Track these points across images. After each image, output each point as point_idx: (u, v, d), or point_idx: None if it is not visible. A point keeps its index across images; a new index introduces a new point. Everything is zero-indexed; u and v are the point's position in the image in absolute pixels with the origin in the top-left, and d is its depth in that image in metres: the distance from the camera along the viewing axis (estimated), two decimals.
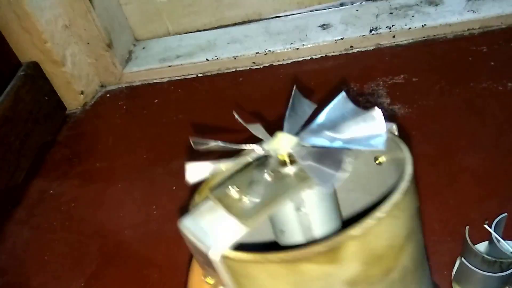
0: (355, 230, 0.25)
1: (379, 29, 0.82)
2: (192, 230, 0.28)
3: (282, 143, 0.29)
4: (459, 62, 0.76)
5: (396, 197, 0.26)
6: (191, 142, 0.29)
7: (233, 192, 0.28)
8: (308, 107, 0.32)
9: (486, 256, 0.47)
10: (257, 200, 0.27)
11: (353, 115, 0.29)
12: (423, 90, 0.73)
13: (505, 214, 0.48)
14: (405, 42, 0.82)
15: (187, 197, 0.63)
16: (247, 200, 0.28)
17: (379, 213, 0.26)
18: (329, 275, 0.27)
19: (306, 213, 0.29)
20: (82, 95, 0.88)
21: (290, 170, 0.29)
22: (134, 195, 0.69)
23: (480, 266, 0.46)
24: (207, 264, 0.28)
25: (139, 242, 0.62)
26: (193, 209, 0.29)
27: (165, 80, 0.90)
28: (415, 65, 0.78)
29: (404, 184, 0.27)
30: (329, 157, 0.27)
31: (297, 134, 0.30)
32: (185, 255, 0.54)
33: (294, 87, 0.32)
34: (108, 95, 0.91)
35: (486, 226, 0.47)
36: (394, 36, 0.82)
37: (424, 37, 0.82)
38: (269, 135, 0.30)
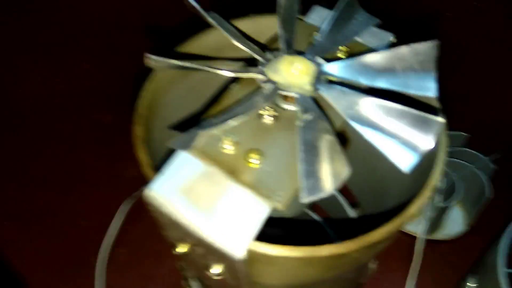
0: (413, 208, 0.21)
1: None
2: (178, 207, 0.19)
3: (296, 72, 0.21)
4: None
5: None
6: (146, 58, 0.21)
7: (229, 147, 0.20)
8: (296, 2, 0.25)
9: None
10: (274, 161, 0.20)
11: (367, 33, 0.24)
12: None
13: None
14: None
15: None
16: (259, 163, 0.20)
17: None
18: (366, 252, 0.22)
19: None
20: None
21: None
22: (42, 68, 0.65)
23: None
24: (206, 253, 0.21)
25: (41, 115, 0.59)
26: (165, 165, 0.20)
27: None
28: None
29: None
30: (400, 113, 0.19)
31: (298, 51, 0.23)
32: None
33: None
34: None
35: None
36: None
37: None
38: (261, 51, 0.22)
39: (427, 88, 0.21)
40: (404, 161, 0.18)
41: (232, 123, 0.20)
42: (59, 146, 0.56)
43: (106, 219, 0.46)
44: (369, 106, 0.20)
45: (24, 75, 0.65)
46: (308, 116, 0.20)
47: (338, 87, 0.21)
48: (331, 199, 0.38)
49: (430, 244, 0.48)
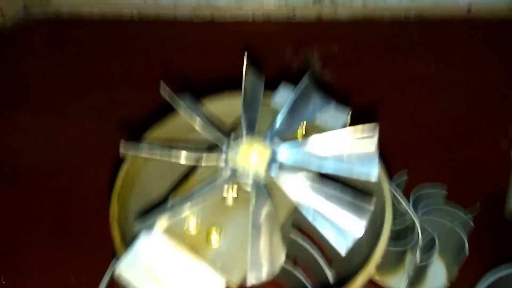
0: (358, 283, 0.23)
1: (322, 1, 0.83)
2: (144, 284, 0.21)
3: (253, 156, 0.23)
4: (391, 42, 0.81)
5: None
6: (121, 147, 0.23)
7: (192, 227, 0.22)
8: (260, 86, 0.28)
9: None
10: (231, 240, 0.22)
11: (330, 115, 0.27)
12: (353, 62, 0.76)
13: (406, 176, 0.51)
14: (345, 17, 0.84)
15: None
16: (217, 242, 0.22)
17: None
18: None
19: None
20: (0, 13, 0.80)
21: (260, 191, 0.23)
22: (44, 124, 0.67)
23: None
24: None
25: (40, 170, 0.61)
26: (132, 247, 0.22)
27: (95, 12, 0.85)
28: (350, 40, 0.81)
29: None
30: (339, 199, 0.22)
31: (260, 134, 0.25)
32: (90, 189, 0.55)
33: (245, 59, 0.27)
34: (31, 19, 0.85)
35: None
36: (335, 11, 0.84)
37: (364, 16, 0.84)
38: (222, 135, 0.25)
39: (369, 174, 0.23)
40: (341, 245, 0.21)
41: (195, 207, 0.23)
42: (56, 202, 0.58)
43: (97, 279, 0.48)
44: (312, 192, 0.22)
45: (25, 129, 0.68)
46: (259, 201, 0.23)
47: (288, 173, 0.24)
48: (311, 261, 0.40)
49: None
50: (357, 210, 0.21)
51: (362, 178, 0.23)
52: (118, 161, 0.34)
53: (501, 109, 0.69)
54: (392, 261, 0.50)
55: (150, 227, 0.22)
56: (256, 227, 0.21)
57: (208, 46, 0.80)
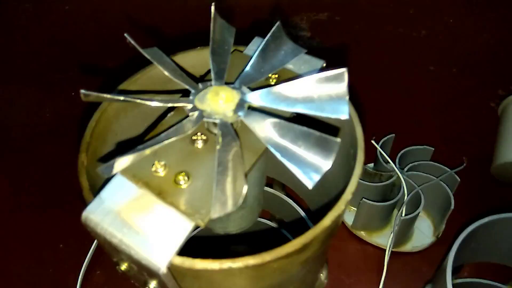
0: (327, 221, 0.23)
1: None
2: (110, 226, 0.21)
3: (221, 101, 0.23)
4: (381, 8, 0.80)
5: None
6: (81, 94, 0.22)
7: (160, 170, 0.22)
8: (230, 35, 0.27)
9: (368, 169, 0.52)
10: (200, 182, 0.22)
11: (299, 60, 0.26)
12: (343, 28, 0.76)
13: (393, 134, 0.52)
14: None
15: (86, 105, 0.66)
16: (185, 184, 0.22)
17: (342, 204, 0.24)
18: (290, 262, 0.24)
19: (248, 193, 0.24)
20: None
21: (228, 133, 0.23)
22: (29, 97, 0.69)
23: (362, 177, 0.49)
24: (139, 268, 0.23)
25: (28, 140, 0.62)
26: (101, 191, 0.22)
27: None
28: (340, 5, 0.81)
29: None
30: (306, 135, 0.21)
31: (231, 82, 0.25)
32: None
33: (213, 6, 0.26)
34: None
35: (373, 141, 0.50)
36: None
37: None
38: (192, 80, 0.24)
39: (340, 111, 0.23)
40: (308, 179, 0.20)
41: (161, 145, 0.22)
42: (44, 170, 0.58)
43: (86, 244, 0.48)
44: (280, 130, 0.22)
45: (12, 103, 0.68)
46: (225, 140, 0.22)
47: (257, 113, 0.23)
48: (284, 205, 0.40)
49: (400, 255, 0.50)
50: (325, 143, 0.21)
51: (333, 116, 0.23)
52: None
53: (491, 71, 0.69)
54: (379, 219, 0.51)
55: (109, 172, 0.22)
56: (222, 164, 0.21)
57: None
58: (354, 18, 0.79)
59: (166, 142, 0.22)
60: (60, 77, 0.71)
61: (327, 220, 0.22)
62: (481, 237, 0.39)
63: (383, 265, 0.46)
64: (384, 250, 0.47)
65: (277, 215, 0.45)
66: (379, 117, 0.62)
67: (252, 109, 0.24)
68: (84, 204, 0.23)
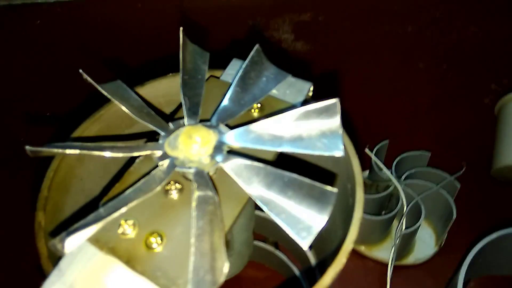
0: (327, 279, 0.20)
1: None
2: None
3: (195, 145, 0.20)
4: (364, 5, 0.77)
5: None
6: (27, 151, 0.19)
7: (129, 231, 0.19)
8: (203, 61, 0.24)
9: (365, 179, 0.49)
10: (175, 243, 0.19)
11: (284, 84, 0.23)
12: (327, 29, 0.74)
13: (387, 141, 0.49)
14: None
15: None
16: (159, 246, 0.19)
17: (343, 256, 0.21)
18: None
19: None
20: None
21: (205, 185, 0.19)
22: None
23: None
24: None
25: None
26: (60, 261, 0.19)
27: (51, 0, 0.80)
28: (322, 4, 0.78)
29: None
30: (296, 184, 0.18)
31: (206, 119, 0.22)
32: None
33: (181, 31, 0.23)
34: None
35: (367, 150, 0.47)
36: None
37: None
38: (162, 117, 0.21)
39: (334, 147, 0.20)
40: (303, 241, 0.17)
41: (128, 207, 0.19)
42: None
43: None
44: (266, 177, 0.19)
45: None
46: (202, 195, 0.19)
47: (238, 158, 0.20)
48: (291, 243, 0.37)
49: (402, 269, 0.47)
50: (319, 193, 0.18)
51: (326, 154, 0.20)
52: None
53: (482, 66, 0.67)
54: (378, 232, 0.48)
55: (64, 243, 0.18)
56: (198, 227, 0.18)
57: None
58: (338, 17, 0.76)
59: (134, 202, 0.19)
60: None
61: (327, 279, 0.19)
62: (489, 253, 0.37)
63: (385, 281, 0.44)
64: (385, 264, 0.45)
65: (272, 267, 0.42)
66: (370, 122, 0.59)
67: (232, 152, 0.21)
68: (43, 275, 0.19)
